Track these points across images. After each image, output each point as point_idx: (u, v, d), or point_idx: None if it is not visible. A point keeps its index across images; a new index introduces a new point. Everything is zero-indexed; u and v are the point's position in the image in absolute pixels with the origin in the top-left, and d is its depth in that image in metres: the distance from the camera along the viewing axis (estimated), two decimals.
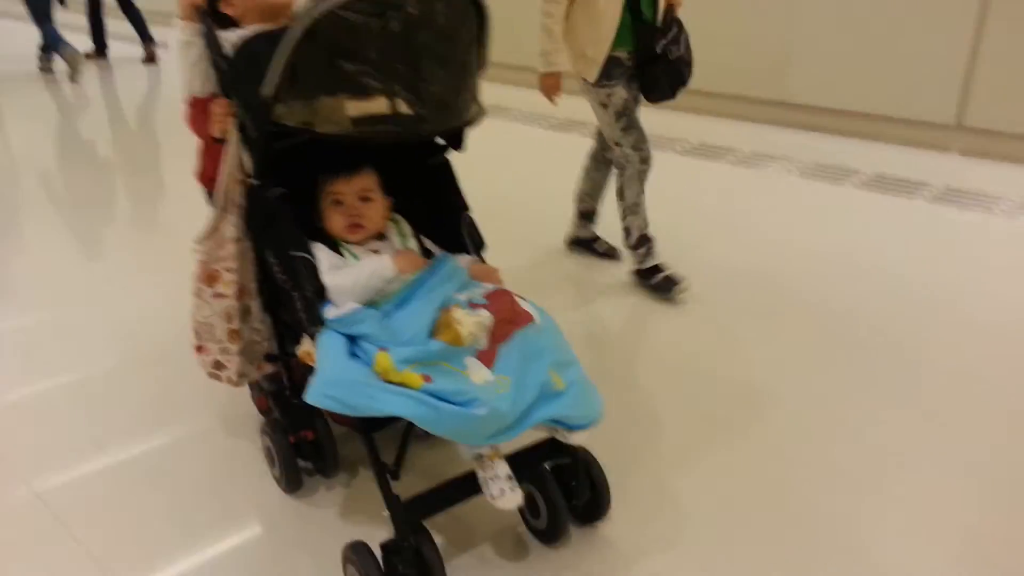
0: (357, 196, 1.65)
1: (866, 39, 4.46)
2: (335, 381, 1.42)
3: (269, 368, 1.86)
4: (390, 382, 1.40)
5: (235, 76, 1.58)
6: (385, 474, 1.52)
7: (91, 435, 2.06)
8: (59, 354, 2.47)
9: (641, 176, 2.74)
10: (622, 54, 2.62)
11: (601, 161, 2.98)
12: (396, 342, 1.45)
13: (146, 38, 6.93)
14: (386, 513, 1.50)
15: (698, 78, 2.70)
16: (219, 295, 1.71)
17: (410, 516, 1.51)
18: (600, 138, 2.93)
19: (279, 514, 1.81)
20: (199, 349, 1.79)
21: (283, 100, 1.44)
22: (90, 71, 6.73)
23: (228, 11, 1.68)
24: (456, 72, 1.52)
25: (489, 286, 1.62)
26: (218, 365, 1.79)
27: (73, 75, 6.35)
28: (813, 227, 3.46)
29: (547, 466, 1.67)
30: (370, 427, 1.54)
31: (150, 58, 6.94)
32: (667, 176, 3.04)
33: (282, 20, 1.63)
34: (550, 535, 1.69)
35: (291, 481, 1.84)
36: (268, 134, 1.51)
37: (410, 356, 1.42)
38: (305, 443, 1.84)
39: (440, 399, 1.39)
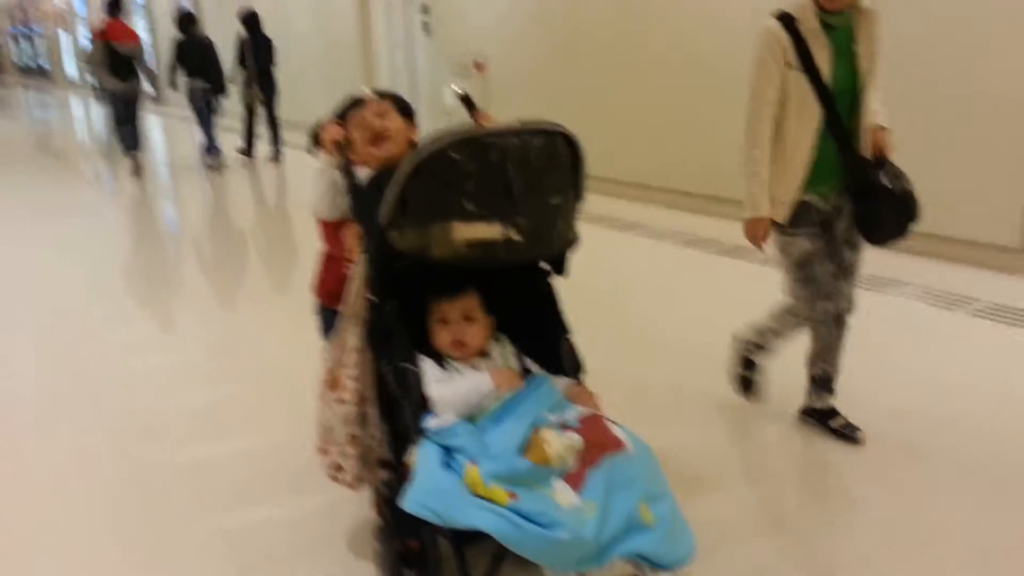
0: (461, 316, 1.77)
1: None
2: (427, 490, 1.49)
3: (384, 474, 1.96)
4: (478, 495, 1.45)
5: (362, 205, 1.77)
6: None
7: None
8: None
9: (807, 324, 2.54)
10: (815, 197, 2.39)
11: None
12: (486, 456, 1.51)
13: (277, 144, 9.15)
14: None
15: None
16: (340, 400, 1.84)
17: None
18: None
19: None
20: (322, 451, 1.92)
21: (397, 227, 1.60)
22: (239, 166, 8.91)
23: (354, 158, 1.92)
24: (552, 202, 1.64)
25: (583, 409, 1.66)
26: (338, 467, 1.91)
27: (220, 169, 8.74)
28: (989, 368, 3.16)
29: None
30: (463, 539, 1.58)
31: (276, 158, 9.17)
32: None
33: (386, 146, 1.90)
34: None
35: None
36: (386, 256, 1.67)
37: (498, 472, 1.47)
38: (411, 552, 1.88)
39: (525, 518, 1.42)
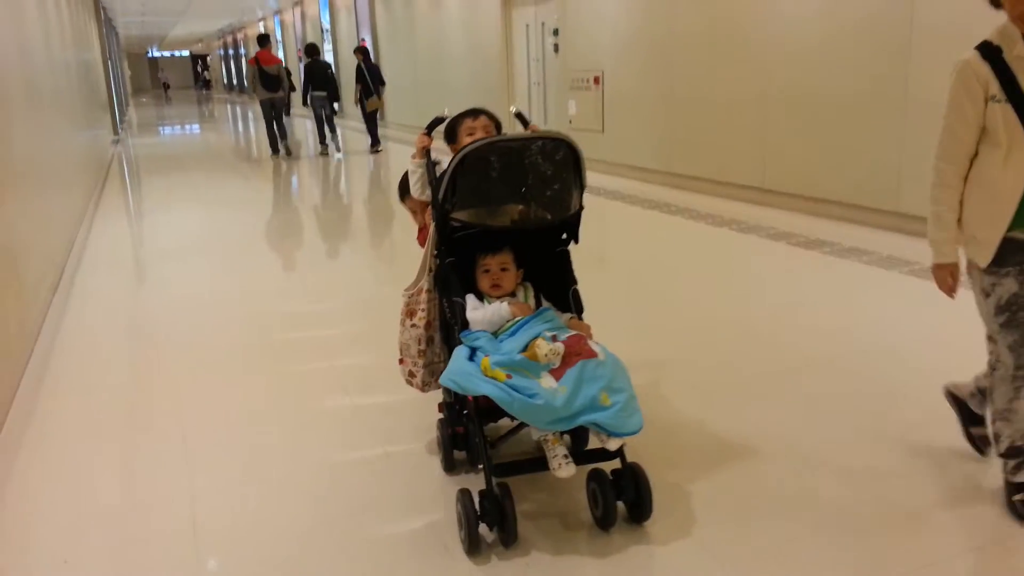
0: (498, 267, 2.50)
1: None
2: (455, 371, 2.25)
3: None
4: (487, 376, 2.19)
5: (434, 190, 2.56)
6: (486, 445, 2.28)
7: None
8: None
9: (1016, 382, 2.26)
10: (1022, 233, 2.16)
11: None
12: (496, 352, 2.24)
13: (375, 140, 12.48)
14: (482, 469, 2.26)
15: None
16: (414, 326, 2.64)
17: (496, 474, 2.24)
18: None
19: (440, 474, 2.65)
20: (401, 361, 2.72)
21: (451, 205, 2.37)
22: (355, 156, 12.47)
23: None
24: (556, 187, 2.36)
25: (573, 332, 2.36)
26: (411, 375, 2.70)
27: (330, 156, 12.31)
28: None
29: (609, 473, 2.30)
30: (484, 416, 2.33)
31: (375, 151, 12.45)
32: None
33: None
34: (604, 521, 2.29)
35: (448, 462, 2.65)
36: (446, 226, 2.44)
37: (501, 361, 2.20)
38: (459, 436, 2.65)
39: (515, 390, 2.14)
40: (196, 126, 21.41)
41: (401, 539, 2.33)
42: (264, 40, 12.43)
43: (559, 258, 2.61)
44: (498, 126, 2.74)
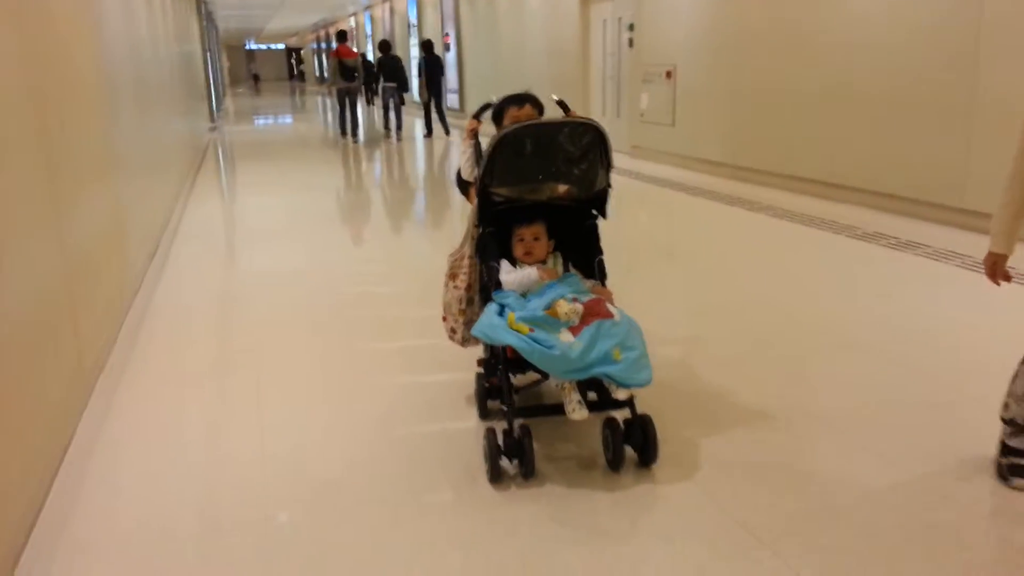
0: (532, 236, 2.78)
1: None
2: (485, 324, 2.56)
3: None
4: (512, 329, 2.49)
5: (480, 167, 2.86)
6: (511, 390, 2.59)
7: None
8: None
9: None
10: None
11: None
12: (522, 309, 2.54)
13: (429, 128, 13.75)
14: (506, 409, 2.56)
15: None
16: (456, 287, 2.95)
17: (517, 414, 2.54)
18: None
19: (474, 418, 2.96)
20: (444, 319, 3.04)
21: (492, 180, 2.68)
22: (413, 141, 13.64)
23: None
24: (584, 167, 2.63)
25: (594, 295, 2.63)
26: (452, 331, 3.02)
27: (392, 138, 13.67)
28: None
29: (620, 419, 2.57)
30: (513, 368, 2.64)
31: (428, 135, 13.81)
32: None
33: None
34: (614, 463, 2.56)
35: (482, 409, 2.96)
36: (486, 199, 2.75)
37: (526, 316, 2.49)
38: (493, 387, 2.95)
39: (535, 342, 2.43)
40: (288, 116, 22.42)
41: (436, 469, 2.66)
42: (343, 36, 14.17)
43: (588, 231, 2.88)
44: (541, 112, 3.02)
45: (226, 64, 39.06)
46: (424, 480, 2.60)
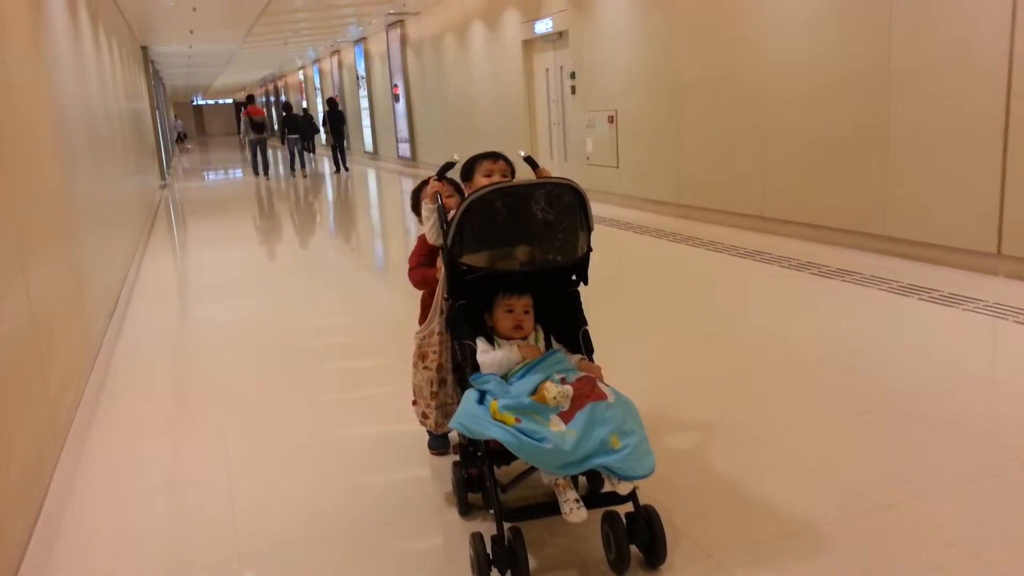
0: (522, 309, 2.39)
1: None
2: (465, 414, 2.14)
3: None
4: (496, 419, 2.09)
5: (444, 235, 2.47)
6: (496, 489, 2.17)
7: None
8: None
9: None
10: None
11: None
12: (505, 396, 2.14)
13: (338, 166, 17.34)
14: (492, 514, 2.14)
15: None
16: (427, 368, 2.54)
17: (507, 518, 2.12)
18: None
19: (454, 517, 2.53)
20: (414, 403, 2.62)
21: (460, 248, 2.29)
22: (321, 176, 15.85)
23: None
24: (562, 230, 2.26)
25: (582, 373, 2.24)
26: (424, 415, 2.60)
27: (296, 176, 16.54)
28: None
29: (623, 514, 2.17)
30: (497, 459, 2.22)
31: (337, 172, 17.10)
32: None
33: None
34: (618, 565, 2.15)
35: (462, 504, 2.52)
36: (456, 270, 2.35)
37: (510, 405, 2.09)
38: (473, 478, 2.52)
39: (523, 434, 2.03)
40: (238, 169, 21.72)
41: (406, 516, 2.48)
42: (251, 99, 18.55)
43: (569, 299, 2.51)
44: (512, 173, 2.66)
45: (175, 120, 38.05)
46: (401, 527, 2.44)
